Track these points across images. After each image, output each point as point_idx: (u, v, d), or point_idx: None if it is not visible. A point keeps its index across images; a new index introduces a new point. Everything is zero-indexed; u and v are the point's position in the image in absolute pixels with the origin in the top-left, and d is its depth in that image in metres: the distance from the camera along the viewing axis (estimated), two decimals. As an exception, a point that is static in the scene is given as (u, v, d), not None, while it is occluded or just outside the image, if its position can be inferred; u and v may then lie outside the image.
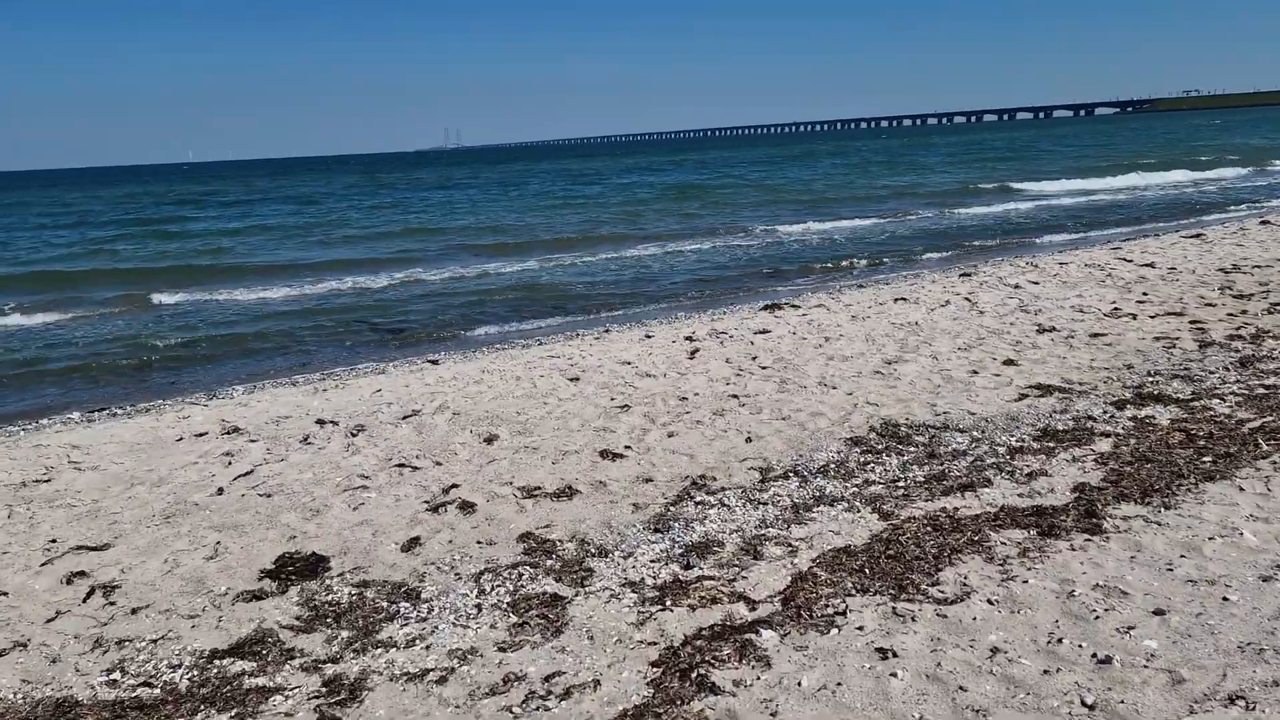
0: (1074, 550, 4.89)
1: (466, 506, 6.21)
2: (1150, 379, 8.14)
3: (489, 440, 7.54)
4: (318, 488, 6.70)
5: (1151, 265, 13.50)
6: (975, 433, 7.09)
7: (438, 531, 5.83)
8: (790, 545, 5.31)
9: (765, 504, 5.99)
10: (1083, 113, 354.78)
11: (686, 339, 10.70)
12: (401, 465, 7.08)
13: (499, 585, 5.07)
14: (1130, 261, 13.93)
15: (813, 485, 6.27)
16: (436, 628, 4.66)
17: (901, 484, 6.17)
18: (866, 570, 4.88)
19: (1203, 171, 39.67)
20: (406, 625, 4.72)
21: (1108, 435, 6.78)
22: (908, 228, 26.37)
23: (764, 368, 9.28)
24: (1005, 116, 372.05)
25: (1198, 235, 16.38)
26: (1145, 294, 11.68)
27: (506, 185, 59.61)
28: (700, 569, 5.11)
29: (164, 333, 14.92)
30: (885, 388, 8.41)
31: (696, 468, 6.73)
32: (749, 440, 7.26)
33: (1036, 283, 12.76)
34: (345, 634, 4.69)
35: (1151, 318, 10.45)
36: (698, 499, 6.14)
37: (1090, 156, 57.36)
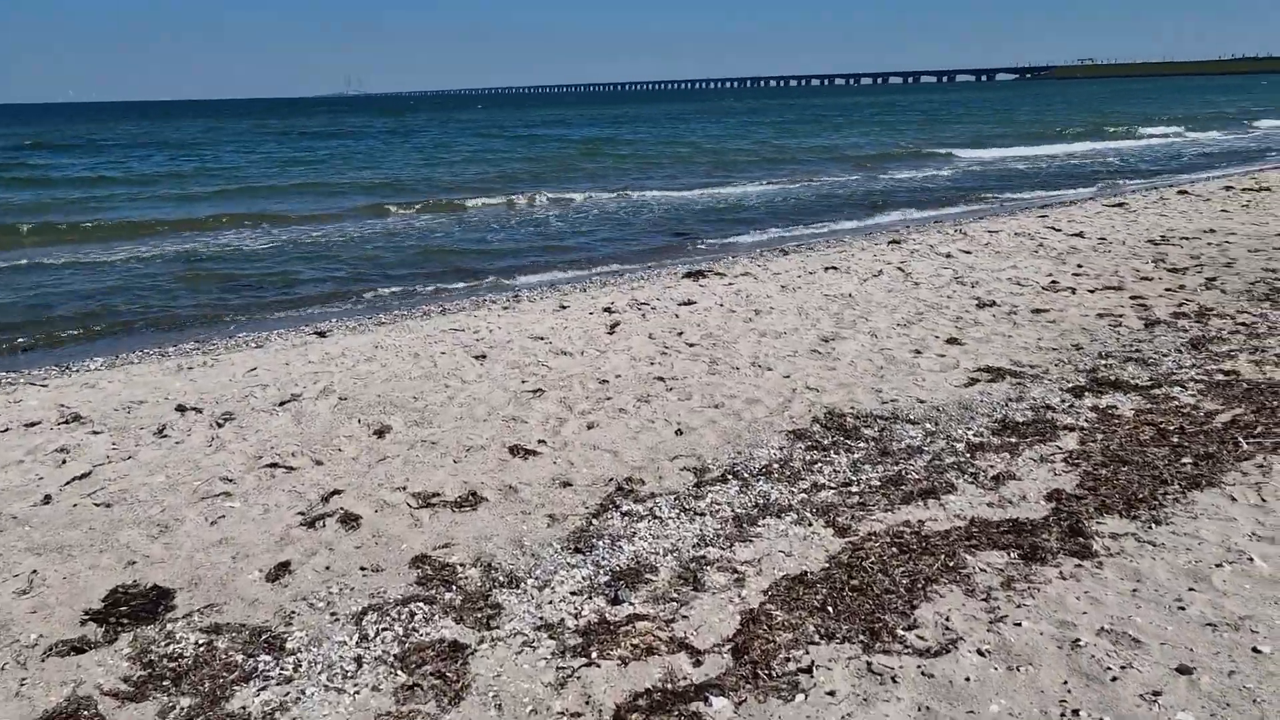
0: (1065, 580, 4.20)
1: (350, 520, 5.22)
2: (1103, 362, 7.60)
3: (380, 433, 6.52)
4: (169, 495, 5.60)
5: (1081, 235, 13.12)
6: (928, 425, 6.40)
7: (313, 554, 4.83)
8: (736, 571, 4.50)
9: (703, 514, 5.17)
10: (984, 78, 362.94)
11: (605, 310, 9.79)
12: (274, 465, 6.02)
13: (385, 629, 4.13)
14: (1059, 231, 13.54)
15: (755, 490, 5.48)
16: (303, 693, 3.71)
17: (855, 489, 5.43)
18: (829, 608, 4.10)
19: (1113, 142, 40.33)
20: (265, 689, 3.75)
21: (1071, 429, 6.16)
22: (827, 190, 25.86)
23: (691, 345, 8.45)
24: (910, 79, 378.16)
25: (1120, 204, 16.17)
26: (1080, 266, 11.24)
27: (409, 135, 57.24)
28: (631, 604, 4.26)
29: (5, 299, 13.22)
30: (824, 369, 7.67)
31: (622, 467, 5.86)
32: (679, 433, 6.42)
33: (969, 252, 12.22)
34: (185, 702, 3.70)
35: (1091, 292, 9.98)
36: (624, 508, 5.29)
37: (1002, 122, 58.11)
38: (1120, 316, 8.99)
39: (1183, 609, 3.90)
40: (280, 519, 5.25)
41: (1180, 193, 17.34)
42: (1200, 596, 3.99)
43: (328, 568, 4.69)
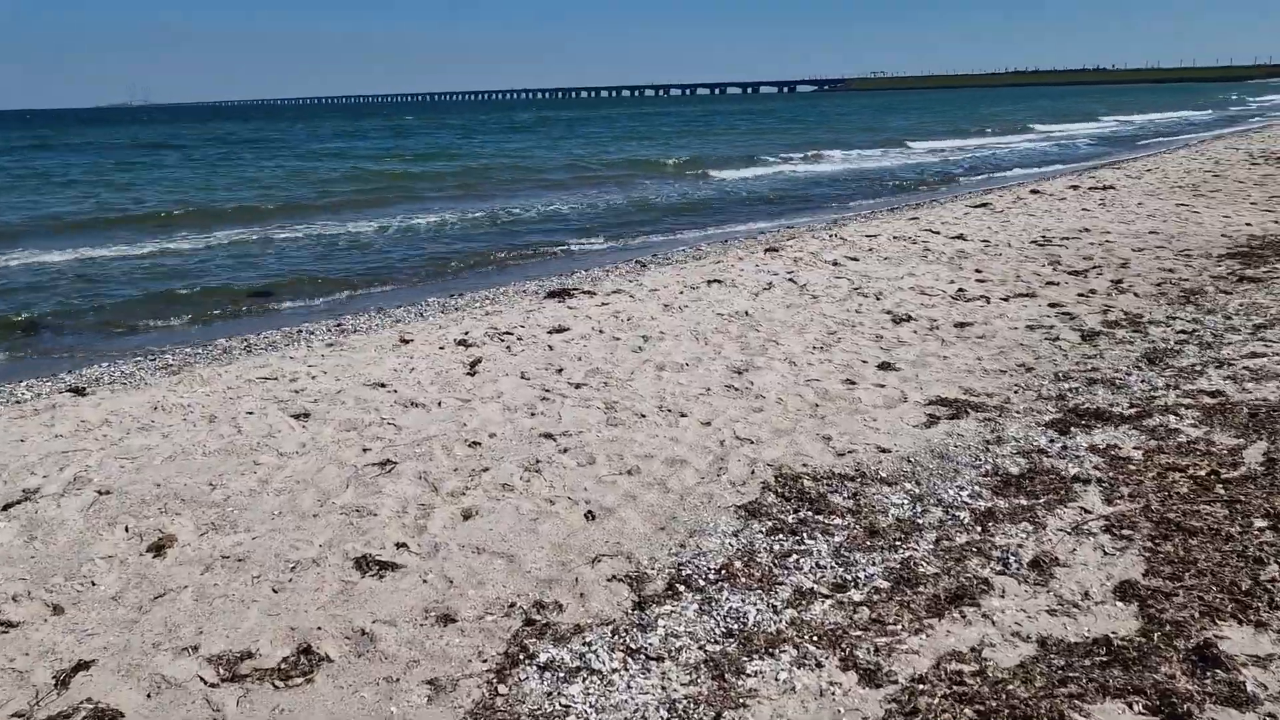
0: (1245, 755, 2.81)
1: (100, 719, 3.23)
2: (1066, 386, 6.47)
3: (159, 548, 4.47)
4: None
5: (962, 238, 12.32)
6: (909, 485, 4.99)
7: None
8: (747, 777, 2.86)
9: (660, 659, 3.51)
10: (787, 89, 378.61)
11: (460, 343, 7.91)
12: (-20, 624, 3.89)
13: None
14: (938, 234, 12.71)
15: (723, 608, 3.86)
16: None
17: (856, 594, 3.92)
18: None
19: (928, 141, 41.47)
20: None
21: (1084, 481, 4.90)
22: (664, 199, 24.71)
23: (577, 386, 6.74)
24: (717, 90, 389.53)
25: (984, 205, 15.67)
26: (979, 271, 10.30)
27: (190, 150, 52.31)
28: None
29: None
30: (750, 411, 6.16)
31: (524, 581, 4.12)
32: (591, 516, 4.73)
33: (856, 259, 11.10)
34: None
35: (1005, 300, 8.99)
36: (542, 656, 3.56)
37: (824, 129, 59.41)
38: (1051, 328, 7.98)
39: None
40: (-23, 735, 3.19)
41: (1033, 192, 17.11)
42: None
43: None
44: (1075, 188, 17.42)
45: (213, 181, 31.14)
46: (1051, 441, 5.51)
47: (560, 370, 7.09)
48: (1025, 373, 6.85)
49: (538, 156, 40.04)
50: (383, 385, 6.80)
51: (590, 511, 4.79)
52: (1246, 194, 15.69)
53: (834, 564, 4.20)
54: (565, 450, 5.58)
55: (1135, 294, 9.11)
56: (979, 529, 4.47)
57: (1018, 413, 6.02)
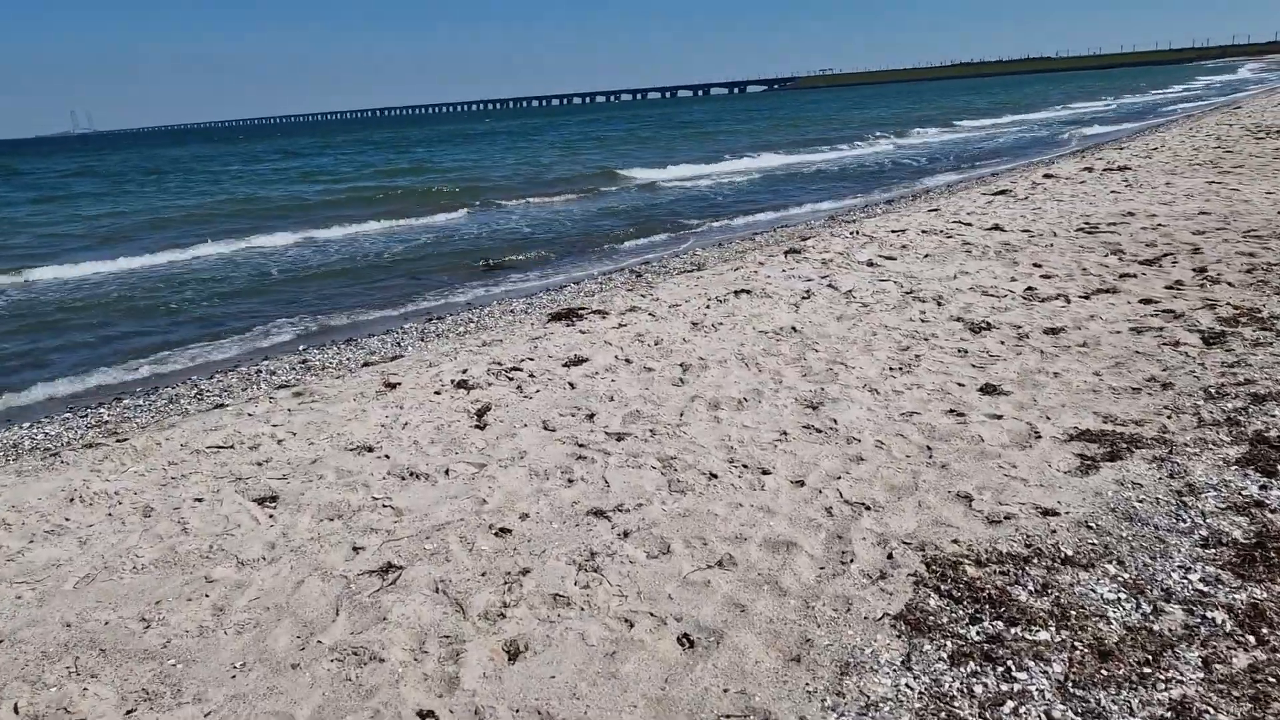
0: None
1: None
2: (1229, 406, 5.19)
3: (64, 743, 3.00)
4: None
5: (998, 228, 11.07)
6: (1109, 566, 3.67)
7: None
8: None
9: None
10: (736, 90, 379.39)
11: (459, 385, 6.45)
12: None
13: None
14: (969, 225, 11.45)
15: (945, 816, 2.49)
16: None
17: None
18: None
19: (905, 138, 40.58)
20: None
21: (1349, 550, 3.59)
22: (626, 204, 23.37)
23: (618, 437, 5.33)
24: (669, 94, 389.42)
25: (1003, 192, 14.46)
26: (1038, 265, 9.04)
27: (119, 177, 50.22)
28: None
29: None
30: (848, 461, 4.81)
31: (621, 776, 2.71)
32: (688, 644, 3.35)
33: (892, 258, 9.79)
34: None
35: (1084, 298, 7.73)
36: None
37: (789, 126, 58.49)
38: (1161, 330, 6.72)
39: None
40: None
41: (1047, 176, 15.95)
42: None
43: None
44: (1090, 170, 16.30)
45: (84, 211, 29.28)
46: (1263, 488, 4.21)
47: (591, 416, 5.67)
48: (1164, 390, 5.55)
49: (486, 166, 38.52)
50: (370, 449, 5.33)
51: (687, 635, 3.40)
52: (1272, 168, 14.66)
53: (1073, 715, 2.85)
54: (626, 534, 4.17)
55: (1229, 283, 7.89)
56: (1253, 638, 3.14)
57: (1189, 447, 4.72)
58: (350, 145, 66.32)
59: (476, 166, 38.08)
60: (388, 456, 5.19)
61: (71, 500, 4.75)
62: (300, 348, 11.22)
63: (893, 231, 11.26)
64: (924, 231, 11.18)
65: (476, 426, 5.59)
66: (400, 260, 16.74)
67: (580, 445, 5.21)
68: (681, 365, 6.54)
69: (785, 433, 5.24)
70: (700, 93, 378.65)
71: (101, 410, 8.64)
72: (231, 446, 5.45)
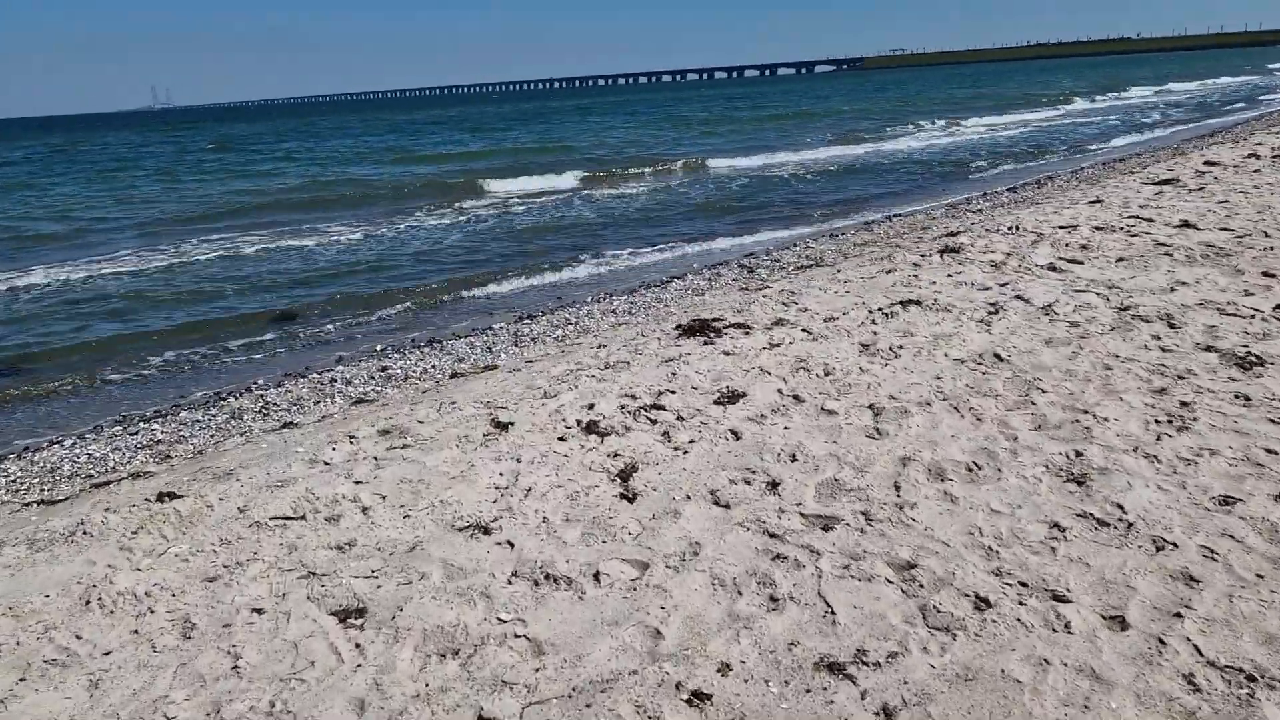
0: None
1: None
2: None
3: None
4: None
5: (1188, 225, 9.33)
6: None
7: None
8: None
9: None
10: (804, 70, 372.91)
11: (587, 428, 5.04)
12: None
13: None
14: (1150, 220, 9.73)
15: None
16: None
17: None
18: None
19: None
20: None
21: None
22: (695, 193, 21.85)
23: (824, 525, 3.87)
24: (735, 74, 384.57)
25: (1169, 181, 12.61)
26: (1270, 275, 7.35)
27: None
28: None
29: None
30: (1172, 582, 3.32)
31: None
32: None
33: (1078, 261, 8.16)
34: None
35: (1364, 323, 6.07)
36: None
37: (862, 110, 56.36)
38: None
39: None
40: None
41: (1209, 164, 14.02)
42: None
43: None
44: (1255, 156, 14.33)
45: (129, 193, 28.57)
46: None
47: (774, 485, 4.23)
48: None
49: (574, 144, 37.23)
50: (486, 529, 3.95)
51: None
52: None
53: None
54: (887, 714, 2.74)
55: None
56: None
57: None
58: (431, 124, 65.33)
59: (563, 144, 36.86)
60: (511, 544, 3.81)
61: (88, 603, 3.47)
62: (378, 347, 10.02)
63: (1061, 228, 9.59)
64: (1098, 228, 9.50)
65: (623, 496, 4.19)
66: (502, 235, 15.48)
67: (772, 535, 3.78)
68: (871, 408, 5.06)
69: (1057, 525, 3.75)
70: (768, 73, 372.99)
71: (155, 427, 7.48)
72: (303, 516, 4.13)
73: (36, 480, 6.52)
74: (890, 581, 3.41)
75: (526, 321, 10.16)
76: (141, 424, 7.70)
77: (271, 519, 4.08)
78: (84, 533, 4.06)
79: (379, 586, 3.50)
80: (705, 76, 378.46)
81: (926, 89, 78.62)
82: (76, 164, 40.87)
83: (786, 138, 34.67)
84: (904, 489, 4.13)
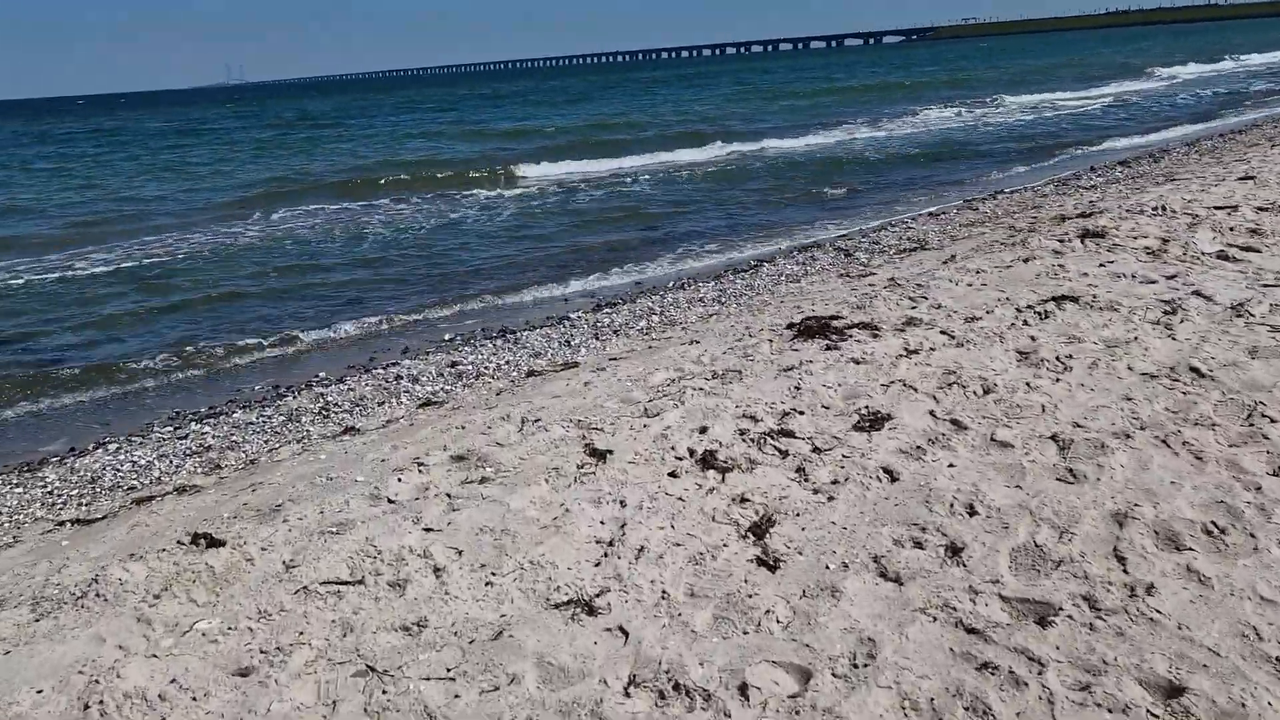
0: None
1: None
2: None
3: None
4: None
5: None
6: None
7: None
8: None
9: None
10: (872, 40, 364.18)
11: (703, 461, 4.14)
12: None
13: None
14: (1324, 201, 8.45)
15: None
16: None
17: None
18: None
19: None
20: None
21: None
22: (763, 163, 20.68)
23: (1036, 614, 2.93)
24: (800, 45, 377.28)
25: (1251, 178, 11.20)
26: None
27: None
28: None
29: None
30: None
31: None
32: None
33: (1254, 249, 6.99)
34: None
35: None
36: None
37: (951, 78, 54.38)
38: None
39: None
40: None
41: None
42: None
43: None
44: None
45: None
46: None
47: (956, 551, 3.29)
48: None
49: (664, 113, 36.24)
50: (589, 607, 3.08)
51: None
52: None
53: None
54: None
55: None
56: None
57: None
58: (498, 100, 64.66)
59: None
60: (625, 632, 2.94)
61: (86, 707, 2.69)
62: (446, 336, 9.27)
63: (1216, 208, 8.38)
64: (1262, 209, 8.27)
65: (761, 561, 3.29)
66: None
67: (970, 631, 2.85)
68: (1054, 439, 4.08)
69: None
70: (834, 44, 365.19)
71: (206, 430, 6.80)
72: (361, 580, 3.30)
73: (75, 492, 5.88)
74: (1155, 716, 2.46)
75: (606, 311, 9.31)
76: (193, 424, 7.04)
77: (323, 583, 3.27)
78: (97, 594, 3.30)
79: (457, 696, 2.66)
80: (770, 48, 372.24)
81: (1005, 58, 75.52)
82: (129, 143, 41.14)
83: (867, 109, 33.23)
84: (1130, 561, 3.16)
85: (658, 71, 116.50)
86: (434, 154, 26.88)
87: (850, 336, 5.61)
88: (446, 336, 9.31)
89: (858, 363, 5.15)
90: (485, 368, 7.54)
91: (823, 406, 4.58)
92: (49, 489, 5.93)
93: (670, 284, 10.76)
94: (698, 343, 7.01)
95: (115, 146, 39.29)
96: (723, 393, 4.88)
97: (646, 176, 20.13)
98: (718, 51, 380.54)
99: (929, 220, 12.62)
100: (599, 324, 8.67)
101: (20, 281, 12.62)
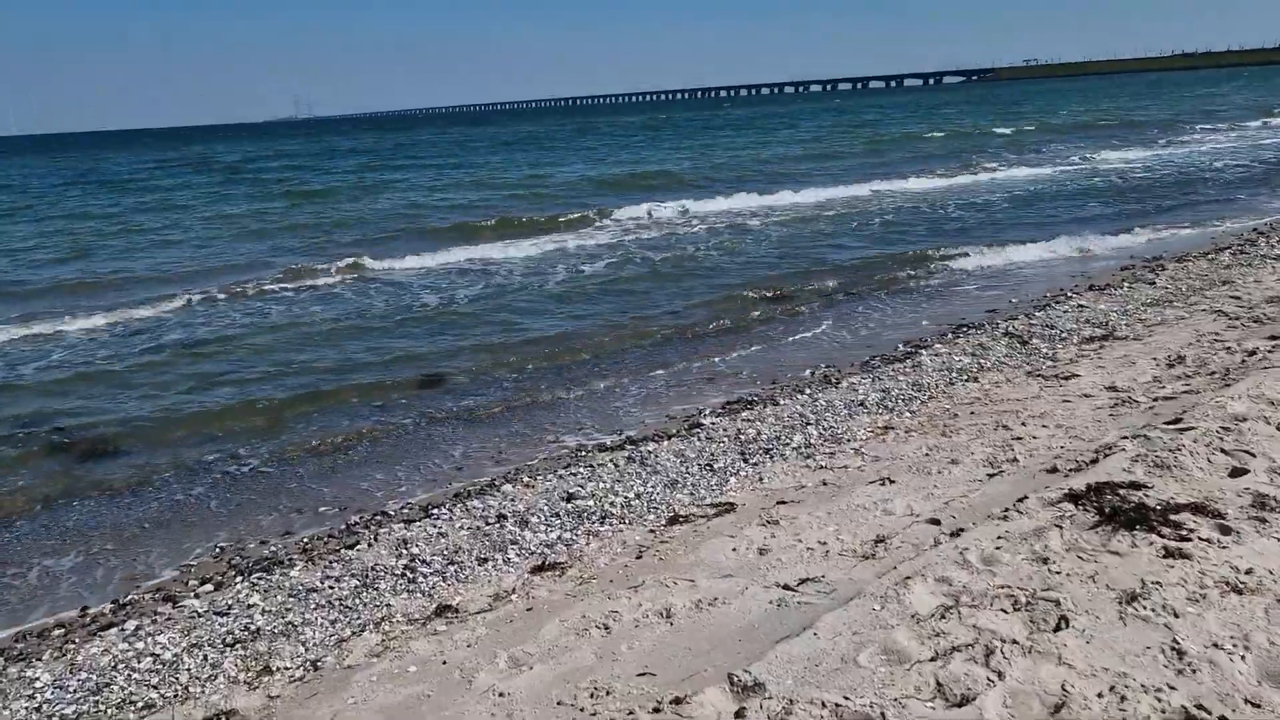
0: None
1: None
2: None
3: None
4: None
5: None
6: None
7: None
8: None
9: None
10: (932, 81, 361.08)
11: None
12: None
13: None
14: None
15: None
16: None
17: None
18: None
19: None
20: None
21: None
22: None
23: None
24: (860, 85, 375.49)
25: None
26: None
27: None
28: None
29: None
30: None
31: None
32: None
33: None
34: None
35: None
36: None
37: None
38: None
39: None
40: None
41: None
42: None
43: None
44: None
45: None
46: None
47: None
48: None
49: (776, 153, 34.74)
50: None
51: None
52: None
53: None
54: None
55: None
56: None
57: None
58: (568, 139, 63.62)
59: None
60: None
61: None
62: (549, 438, 7.67)
63: None
64: None
65: None
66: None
67: None
68: None
69: None
70: (894, 84, 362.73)
71: (255, 600, 5.15)
72: None
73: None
74: None
75: (744, 415, 7.58)
76: (239, 582, 5.43)
77: None
78: None
79: None
80: (829, 88, 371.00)
81: (1068, 102, 72.89)
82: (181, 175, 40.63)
83: (953, 159, 31.42)
84: None
85: (737, 110, 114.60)
86: (500, 202, 25.58)
87: (1183, 527, 3.81)
88: (549, 438, 7.71)
89: (1238, 591, 3.35)
90: (610, 506, 5.87)
91: (1246, 703, 2.79)
92: (37, 703, 4.29)
93: (806, 371, 9.06)
94: (892, 481, 5.34)
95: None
96: (1046, 648, 3.10)
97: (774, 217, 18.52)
98: (776, 90, 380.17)
99: (1098, 293, 10.80)
100: (741, 436, 6.97)
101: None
